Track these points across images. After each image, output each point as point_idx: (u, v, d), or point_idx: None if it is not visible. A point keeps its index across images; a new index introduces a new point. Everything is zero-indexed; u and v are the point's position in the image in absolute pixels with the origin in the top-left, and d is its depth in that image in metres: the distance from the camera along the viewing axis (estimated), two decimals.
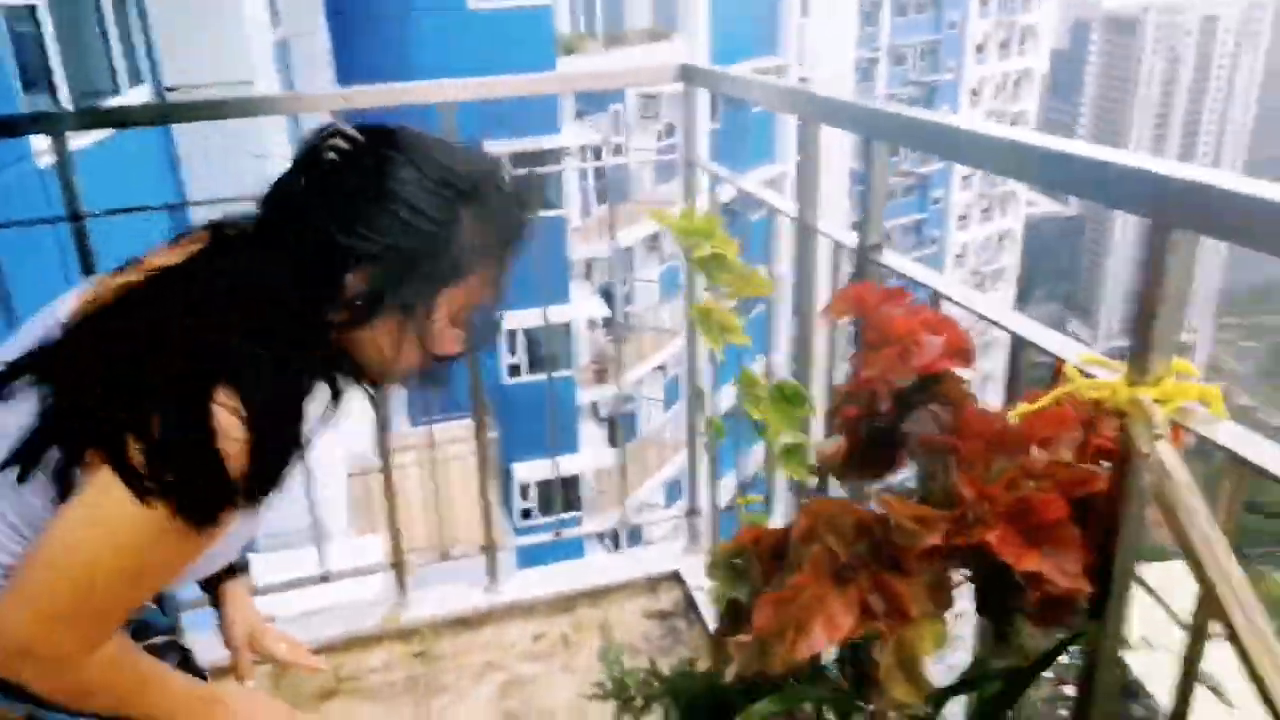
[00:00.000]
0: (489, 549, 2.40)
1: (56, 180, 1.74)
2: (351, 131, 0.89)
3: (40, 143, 3.03)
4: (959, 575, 0.95)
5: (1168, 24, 55.23)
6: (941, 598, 0.91)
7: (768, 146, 15.67)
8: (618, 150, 13.34)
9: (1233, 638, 0.72)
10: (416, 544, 2.53)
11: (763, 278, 1.31)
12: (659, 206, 2.25)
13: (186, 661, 1.11)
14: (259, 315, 0.84)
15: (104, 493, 0.79)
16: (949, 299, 1.10)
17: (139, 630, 1.00)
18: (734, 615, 1.10)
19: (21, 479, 0.83)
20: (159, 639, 1.06)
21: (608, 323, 13.25)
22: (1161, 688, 0.96)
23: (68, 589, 0.81)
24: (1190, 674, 0.90)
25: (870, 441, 1.05)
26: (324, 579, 2.25)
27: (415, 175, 0.86)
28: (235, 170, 4.58)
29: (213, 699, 0.99)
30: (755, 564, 1.05)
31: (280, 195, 0.90)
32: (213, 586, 1.22)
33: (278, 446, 0.84)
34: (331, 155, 0.87)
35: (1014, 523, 0.85)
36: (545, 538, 2.64)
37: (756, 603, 0.94)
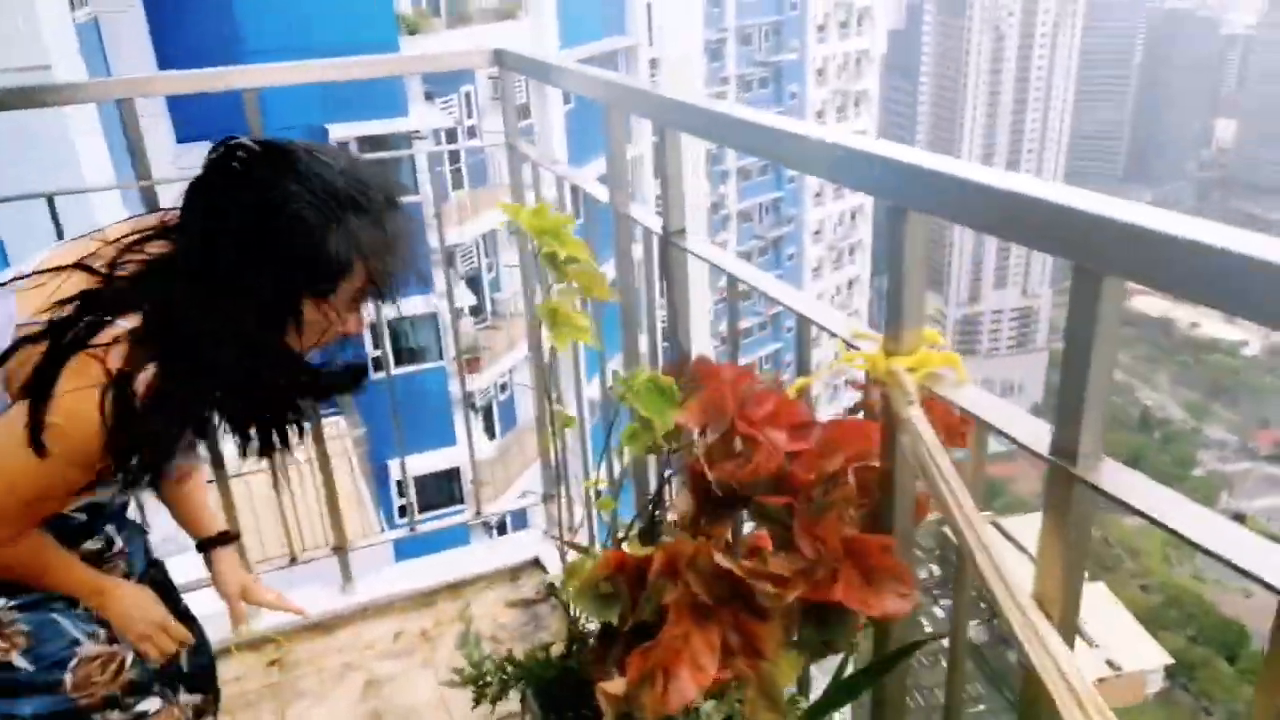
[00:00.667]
0: (340, 550, 2.35)
1: None
2: (252, 145, 0.99)
3: None
4: None
5: (991, 3, 58.72)
6: (792, 629, 0.98)
7: (626, 131, 15.66)
8: (471, 133, 13.02)
9: (980, 580, 0.79)
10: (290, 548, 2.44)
11: (605, 284, 1.29)
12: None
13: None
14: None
15: (18, 419, 0.94)
16: (742, 281, 1.15)
17: (76, 533, 1.17)
18: (606, 637, 1.12)
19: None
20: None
21: (475, 311, 13.03)
22: None
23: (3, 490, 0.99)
24: (960, 621, 0.96)
25: (712, 498, 1.07)
26: None
27: (301, 189, 0.96)
28: (43, 161, 4.19)
29: (101, 588, 1.17)
30: (624, 589, 1.06)
31: (193, 199, 1.01)
32: (206, 550, 1.41)
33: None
34: (235, 165, 0.98)
35: (852, 564, 0.91)
36: (402, 533, 2.59)
37: (627, 658, 0.95)
